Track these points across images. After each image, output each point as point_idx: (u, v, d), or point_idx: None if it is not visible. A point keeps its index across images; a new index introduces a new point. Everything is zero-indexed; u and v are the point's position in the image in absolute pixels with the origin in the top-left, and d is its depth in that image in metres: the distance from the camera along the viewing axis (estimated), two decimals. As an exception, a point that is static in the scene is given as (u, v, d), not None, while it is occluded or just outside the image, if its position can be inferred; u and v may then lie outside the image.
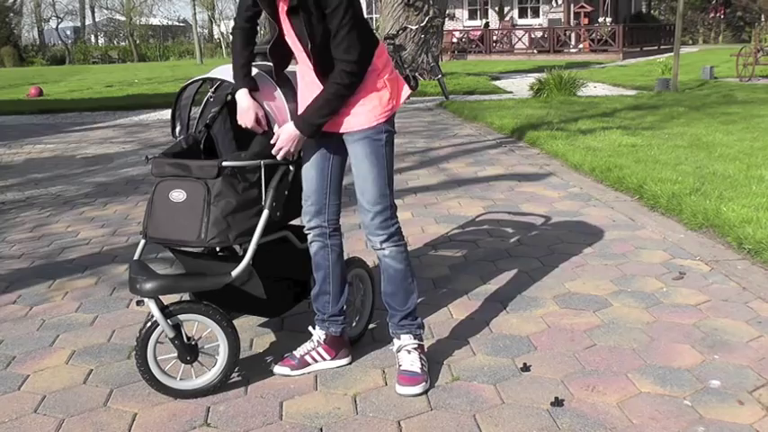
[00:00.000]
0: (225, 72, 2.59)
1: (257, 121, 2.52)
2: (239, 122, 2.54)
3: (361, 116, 2.49)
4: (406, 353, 2.61)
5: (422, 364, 2.59)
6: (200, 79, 2.67)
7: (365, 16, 2.51)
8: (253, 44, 2.58)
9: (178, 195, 2.44)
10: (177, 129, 2.71)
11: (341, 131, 2.54)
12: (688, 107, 10.02)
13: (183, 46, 51.76)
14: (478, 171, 6.40)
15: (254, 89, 2.53)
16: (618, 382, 2.56)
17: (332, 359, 2.73)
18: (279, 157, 2.49)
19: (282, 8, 2.41)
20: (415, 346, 2.63)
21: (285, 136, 2.48)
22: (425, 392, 2.52)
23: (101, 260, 4.19)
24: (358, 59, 2.38)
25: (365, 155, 2.52)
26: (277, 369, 2.69)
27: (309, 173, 2.63)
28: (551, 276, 3.66)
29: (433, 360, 2.77)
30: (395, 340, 2.67)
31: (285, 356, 2.74)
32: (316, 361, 2.71)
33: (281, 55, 2.56)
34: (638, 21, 33.34)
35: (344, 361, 2.74)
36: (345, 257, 2.81)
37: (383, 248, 2.59)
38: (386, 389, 2.57)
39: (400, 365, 2.59)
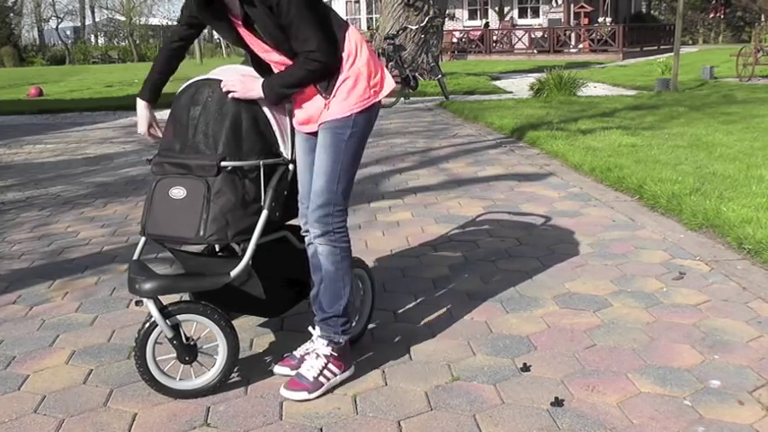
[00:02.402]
0: (225, 73, 2.59)
1: (149, 130, 2.71)
2: (138, 130, 2.69)
3: (333, 105, 2.46)
4: (314, 356, 2.57)
5: (319, 374, 2.52)
6: (200, 79, 2.66)
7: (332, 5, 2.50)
8: (177, 62, 2.70)
9: (178, 192, 2.44)
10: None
11: (318, 125, 2.51)
12: (688, 107, 10.02)
13: (182, 46, 51.61)
14: (478, 171, 6.40)
15: (152, 103, 2.72)
16: (618, 382, 2.56)
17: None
18: (225, 87, 2.47)
19: (238, 24, 2.43)
20: (327, 353, 2.56)
21: (247, 83, 2.45)
22: (303, 401, 2.47)
23: (101, 260, 4.19)
24: (317, 48, 2.32)
25: (324, 145, 2.48)
26: (277, 369, 2.68)
27: (303, 175, 2.61)
28: (551, 276, 3.66)
29: (433, 360, 2.77)
30: (315, 338, 2.64)
31: (285, 356, 2.74)
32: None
33: (264, 68, 2.55)
34: (638, 21, 33.34)
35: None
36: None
37: (315, 242, 2.53)
38: (386, 389, 2.57)
39: (300, 367, 2.58)
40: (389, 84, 2.55)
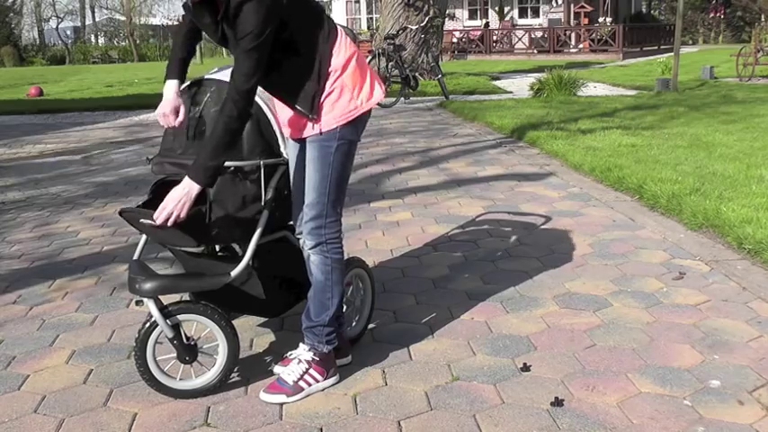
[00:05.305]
0: (225, 73, 2.59)
1: (175, 114, 2.44)
2: (156, 111, 2.44)
3: (319, 119, 2.44)
4: (296, 361, 2.58)
5: (299, 379, 2.52)
6: (200, 79, 2.66)
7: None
8: (196, 41, 2.53)
9: (149, 221, 2.41)
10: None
11: (303, 137, 2.50)
12: (688, 107, 10.02)
13: (182, 46, 51.60)
14: (478, 171, 6.40)
15: (181, 81, 2.49)
16: (618, 382, 2.56)
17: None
18: (159, 221, 2.25)
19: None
20: (308, 359, 2.56)
21: (176, 194, 2.24)
22: (281, 405, 2.47)
23: (101, 260, 4.19)
24: (251, 89, 2.26)
25: (312, 158, 2.48)
26: (277, 369, 2.68)
27: (294, 177, 2.61)
28: (551, 276, 3.66)
29: (433, 360, 2.77)
30: (300, 343, 2.64)
31: (285, 356, 2.74)
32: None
33: None
34: (638, 21, 33.32)
35: (345, 361, 2.74)
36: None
37: (309, 253, 2.54)
38: (386, 389, 2.57)
39: (281, 371, 2.59)
40: (378, 95, 2.52)
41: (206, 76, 2.59)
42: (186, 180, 2.25)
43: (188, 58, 2.53)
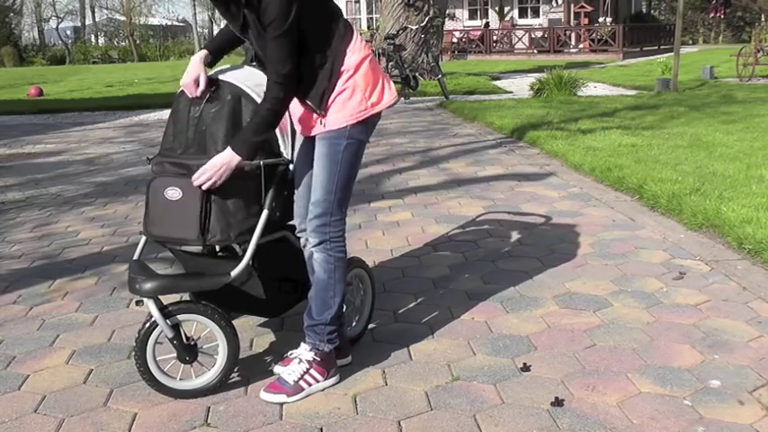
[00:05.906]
0: (225, 74, 2.59)
1: (195, 84, 2.47)
2: (181, 81, 2.50)
3: (329, 116, 2.46)
4: (296, 361, 2.58)
5: (300, 378, 2.53)
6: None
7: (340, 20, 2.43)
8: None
9: (174, 193, 2.43)
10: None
11: (313, 134, 2.52)
12: (688, 107, 10.02)
13: (183, 46, 51.62)
14: (479, 171, 6.40)
15: (213, 56, 2.55)
16: (618, 382, 2.56)
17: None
18: (196, 183, 2.36)
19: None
20: (309, 359, 2.56)
21: (217, 161, 2.35)
22: (281, 404, 2.47)
23: (101, 260, 4.19)
24: (290, 73, 2.32)
25: (320, 155, 2.49)
26: (277, 369, 2.68)
27: (299, 173, 2.62)
28: (551, 276, 3.66)
29: (433, 360, 2.77)
30: (301, 343, 2.65)
31: (285, 356, 2.74)
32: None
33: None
34: (638, 21, 33.31)
35: (345, 361, 2.74)
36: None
37: (313, 250, 2.55)
38: (386, 389, 2.57)
39: (282, 371, 2.59)
40: (388, 98, 2.53)
41: (210, 75, 2.59)
42: (228, 150, 2.36)
43: (234, 41, 2.58)
